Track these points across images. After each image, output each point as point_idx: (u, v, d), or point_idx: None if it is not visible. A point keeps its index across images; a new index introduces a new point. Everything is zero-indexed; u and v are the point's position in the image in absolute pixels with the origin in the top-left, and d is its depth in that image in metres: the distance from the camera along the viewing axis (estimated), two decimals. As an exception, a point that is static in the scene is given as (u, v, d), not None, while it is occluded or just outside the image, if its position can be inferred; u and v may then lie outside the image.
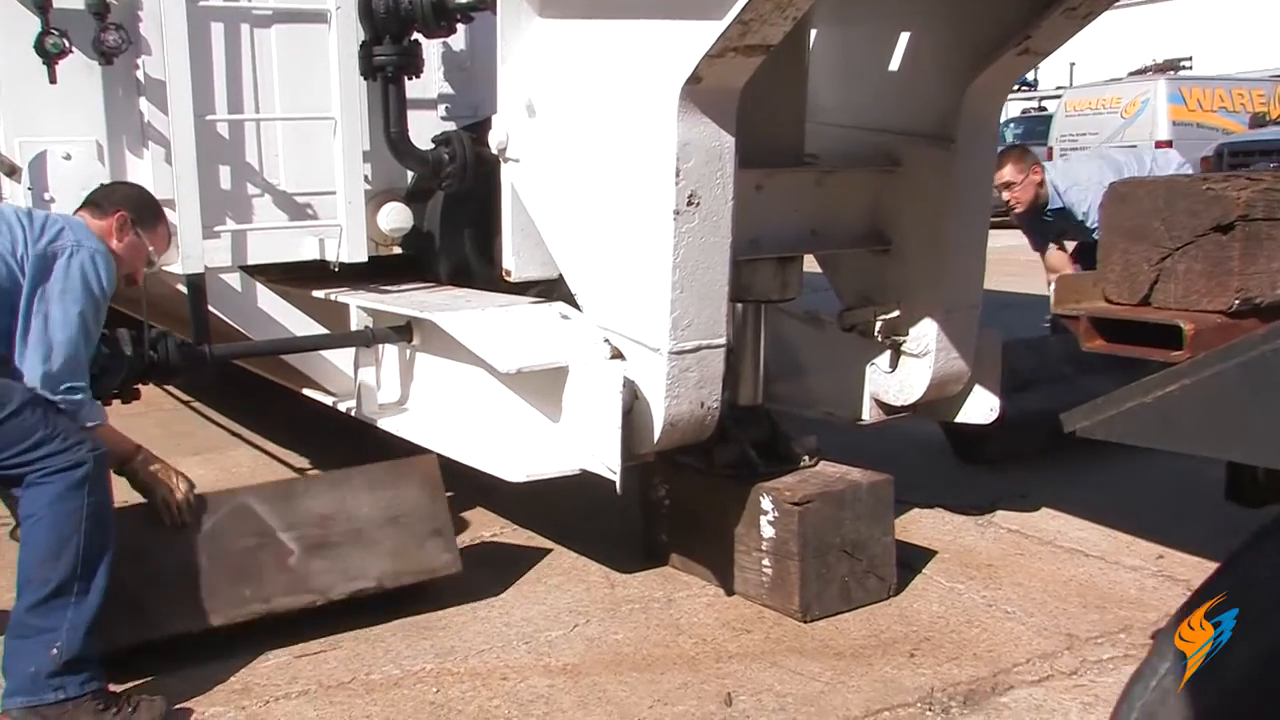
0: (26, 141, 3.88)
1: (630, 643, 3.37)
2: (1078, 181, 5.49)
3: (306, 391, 4.61)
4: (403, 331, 4.12)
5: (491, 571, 3.87)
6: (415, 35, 4.14)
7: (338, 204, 4.23)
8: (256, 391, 5.44)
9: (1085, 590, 3.73)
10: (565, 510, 4.29)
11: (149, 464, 3.25)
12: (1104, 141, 14.63)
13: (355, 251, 4.26)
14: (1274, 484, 2.10)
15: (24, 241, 2.89)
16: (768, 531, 3.53)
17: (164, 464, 3.30)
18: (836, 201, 3.92)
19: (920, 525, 4.31)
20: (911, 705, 3.00)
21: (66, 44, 3.68)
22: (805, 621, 3.46)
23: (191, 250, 3.94)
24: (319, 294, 4.42)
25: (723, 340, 3.29)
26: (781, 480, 3.62)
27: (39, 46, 3.65)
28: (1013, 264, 9.61)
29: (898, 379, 4.10)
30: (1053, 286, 2.39)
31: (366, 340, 4.17)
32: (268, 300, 4.29)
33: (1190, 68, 20.00)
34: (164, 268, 3.83)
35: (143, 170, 4.05)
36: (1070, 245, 5.95)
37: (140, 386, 3.74)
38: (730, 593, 3.67)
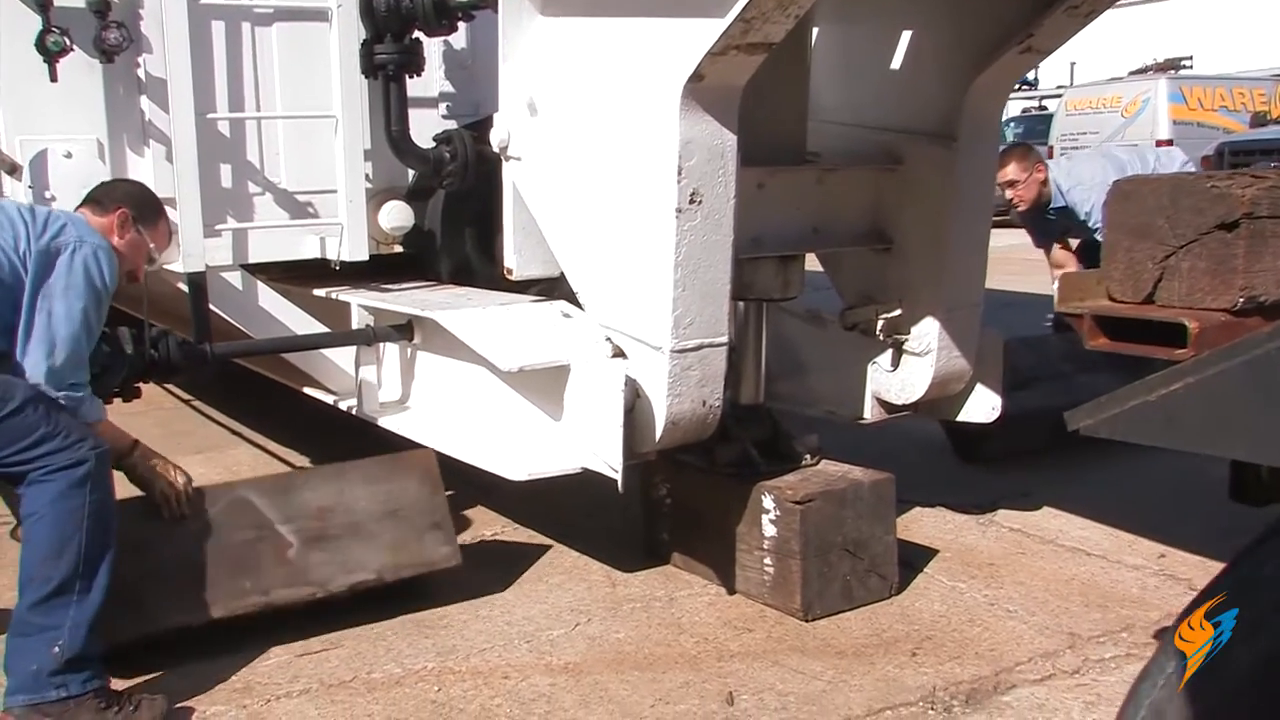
0: (27, 139, 3.87)
1: (632, 641, 3.37)
2: (1081, 181, 5.48)
3: (307, 390, 4.61)
4: (404, 330, 4.12)
5: (493, 570, 3.87)
6: (416, 33, 4.14)
7: (339, 202, 4.22)
8: (257, 390, 5.44)
9: (1087, 589, 3.72)
10: (567, 509, 4.28)
11: (147, 458, 3.25)
12: (1104, 141, 14.61)
13: (356, 250, 4.25)
14: (1278, 483, 2.09)
15: (26, 237, 2.89)
16: (769, 530, 3.53)
17: (161, 458, 3.30)
18: (838, 200, 3.91)
19: (922, 524, 4.31)
20: (913, 704, 3.00)
21: (67, 42, 3.67)
22: (807, 620, 3.46)
23: (192, 248, 3.94)
24: (320, 292, 4.42)
25: (725, 339, 3.29)
26: (783, 479, 3.62)
27: (40, 44, 3.65)
28: (1013, 263, 9.60)
29: (899, 378, 4.10)
30: (1056, 284, 2.39)
31: (367, 339, 4.17)
32: (269, 299, 4.29)
33: (1191, 67, 20.00)
34: (165, 266, 3.83)
35: (144, 168, 4.05)
36: (1074, 243, 5.94)
37: (141, 385, 3.74)
38: (732, 591, 3.67)
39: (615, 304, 3.36)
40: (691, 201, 3.08)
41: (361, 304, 4.25)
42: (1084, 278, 2.31)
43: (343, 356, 4.37)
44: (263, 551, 3.34)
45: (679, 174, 3.04)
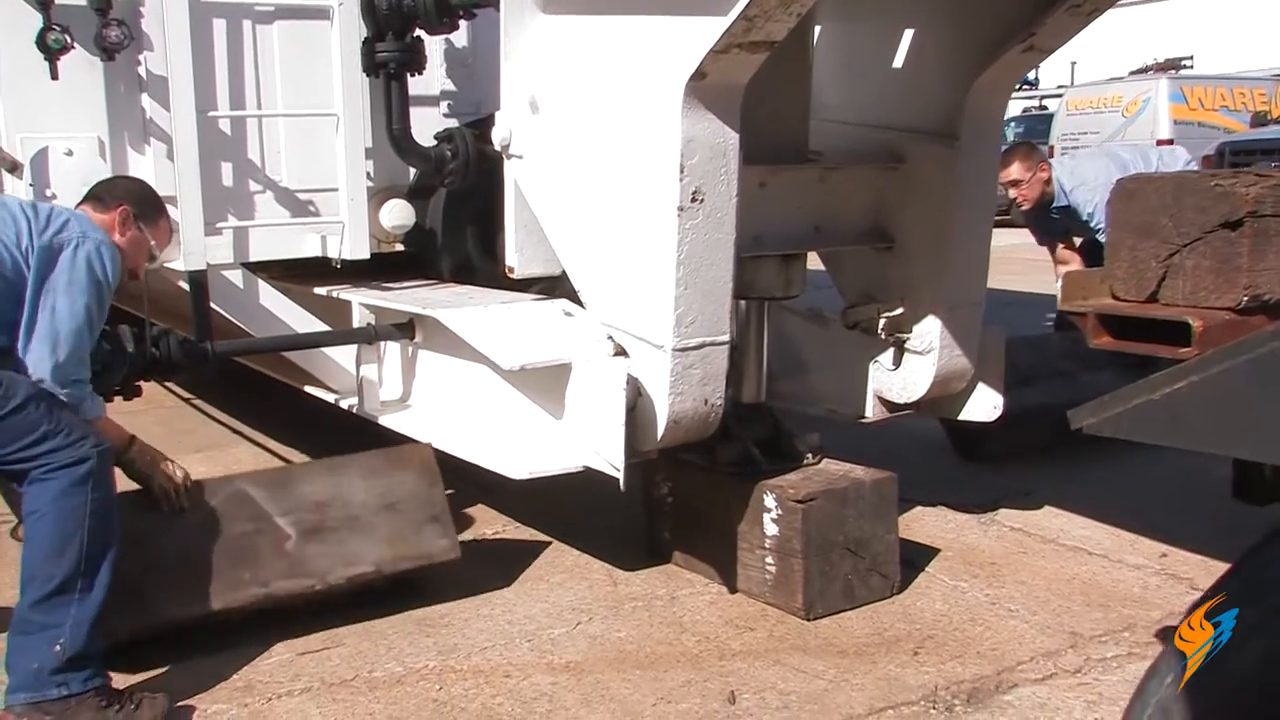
0: (28, 137, 3.87)
1: (633, 640, 3.37)
2: (1084, 181, 5.47)
3: (308, 389, 4.61)
4: (405, 328, 4.12)
5: (494, 568, 3.86)
6: (418, 32, 4.14)
7: (340, 201, 4.22)
8: (258, 389, 5.43)
9: (1089, 588, 3.72)
10: (568, 508, 4.28)
11: (145, 454, 3.26)
12: (1105, 141, 14.60)
13: (357, 248, 4.25)
14: (1282, 481, 2.10)
15: (29, 233, 2.88)
16: (771, 529, 3.53)
17: (158, 453, 3.31)
18: (840, 198, 3.91)
19: (923, 523, 4.31)
20: (915, 703, 3.00)
21: (68, 40, 3.67)
22: (808, 619, 3.46)
23: (193, 247, 3.93)
24: (321, 291, 4.42)
25: (727, 337, 3.29)
26: (785, 478, 3.61)
27: (41, 42, 3.64)
28: (1014, 263, 9.60)
29: (901, 376, 4.09)
30: (1060, 283, 2.38)
31: (369, 337, 4.17)
32: (270, 297, 4.29)
33: (1191, 67, 19.99)
34: (166, 264, 3.83)
35: (145, 167, 4.05)
36: (1077, 241, 5.93)
37: (142, 383, 3.74)
38: (733, 590, 3.67)
39: (617, 302, 3.36)
40: (693, 200, 3.08)
41: (363, 302, 4.25)
42: (1087, 276, 2.31)
43: (344, 355, 4.37)
44: (261, 544, 3.35)
45: (681, 172, 3.03)
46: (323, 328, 4.34)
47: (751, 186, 3.45)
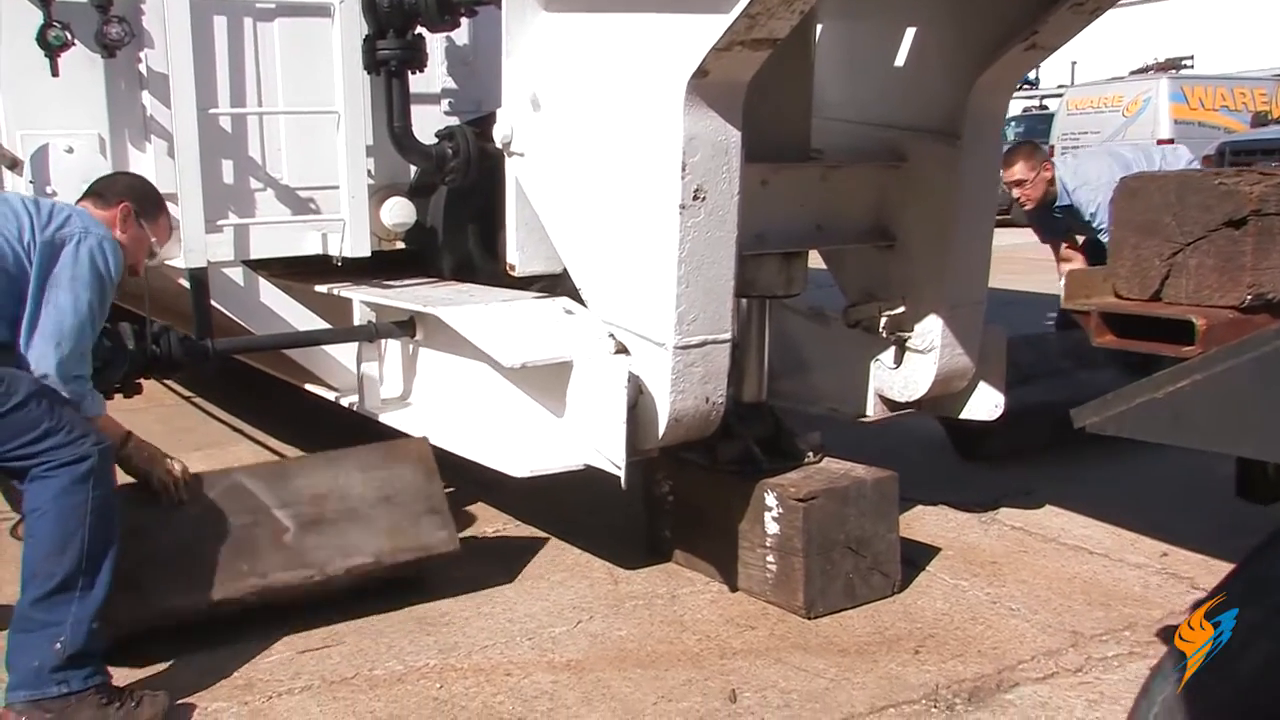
0: (28, 134, 3.87)
1: (634, 639, 3.36)
2: (1087, 180, 5.47)
3: (309, 387, 4.60)
4: (406, 326, 4.12)
5: (495, 567, 3.86)
6: (419, 29, 4.14)
7: (341, 198, 4.22)
8: (258, 387, 5.43)
9: (1090, 587, 3.72)
10: (569, 506, 4.28)
11: (141, 449, 3.26)
12: (1105, 140, 14.61)
13: (358, 246, 4.25)
14: (1285, 480, 2.09)
15: (31, 228, 2.88)
16: (772, 528, 3.52)
17: (155, 448, 3.31)
18: (842, 197, 3.91)
19: (924, 522, 4.30)
20: (916, 702, 2.99)
21: (69, 37, 3.66)
22: (809, 618, 3.46)
23: (194, 244, 3.93)
24: (322, 289, 4.41)
25: (728, 335, 3.29)
26: (786, 476, 3.61)
27: (41, 39, 3.64)
28: (1015, 262, 9.60)
29: (902, 375, 4.09)
30: (1063, 281, 2.38)
31: (369, 335, 4.16)
32: (270, 295, 4.28)
33: (1192, 66, 19.99)
34: (166, 261, 3.82)
35: (145, 164, 4.04)
36: (1080, 239, 5.93)
37: (142, 380, 3.73)
38: (734, 589, 3.67)
39: (618, 300, 3.35)
40: (695, 198, 3.07)
41: (363, 300, 4.24)
42: (1090, 275, 2.30)
43: (344, 353, 4.36)
44: (260, 536, 3.35)
45: (683, 170, 3.03)
46: (323, 325, 4.33)
47: (753, 184, 3.45)
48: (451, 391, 4.03)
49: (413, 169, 4.46)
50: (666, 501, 3.92)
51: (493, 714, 2.95)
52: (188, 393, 6.51)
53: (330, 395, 4.48)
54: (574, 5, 3.41)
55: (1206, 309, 2.03)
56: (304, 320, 4.32)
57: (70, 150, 3.89)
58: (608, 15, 3.29)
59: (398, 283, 4.38)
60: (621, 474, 3.23)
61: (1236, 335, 1.84)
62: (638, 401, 3.25)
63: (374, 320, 4.19)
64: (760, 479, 3.58)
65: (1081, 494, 4.55)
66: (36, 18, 3.64)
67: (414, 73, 4.19)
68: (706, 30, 2.88)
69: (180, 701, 2.97)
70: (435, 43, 4.42)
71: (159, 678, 3.10)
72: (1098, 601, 3.61)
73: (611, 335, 3.34)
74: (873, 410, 4.24)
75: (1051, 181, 5.55)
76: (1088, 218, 5.49)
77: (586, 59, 3.36)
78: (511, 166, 3.69)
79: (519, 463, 3.46)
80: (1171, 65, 19.15)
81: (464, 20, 4.20)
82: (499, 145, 3.69)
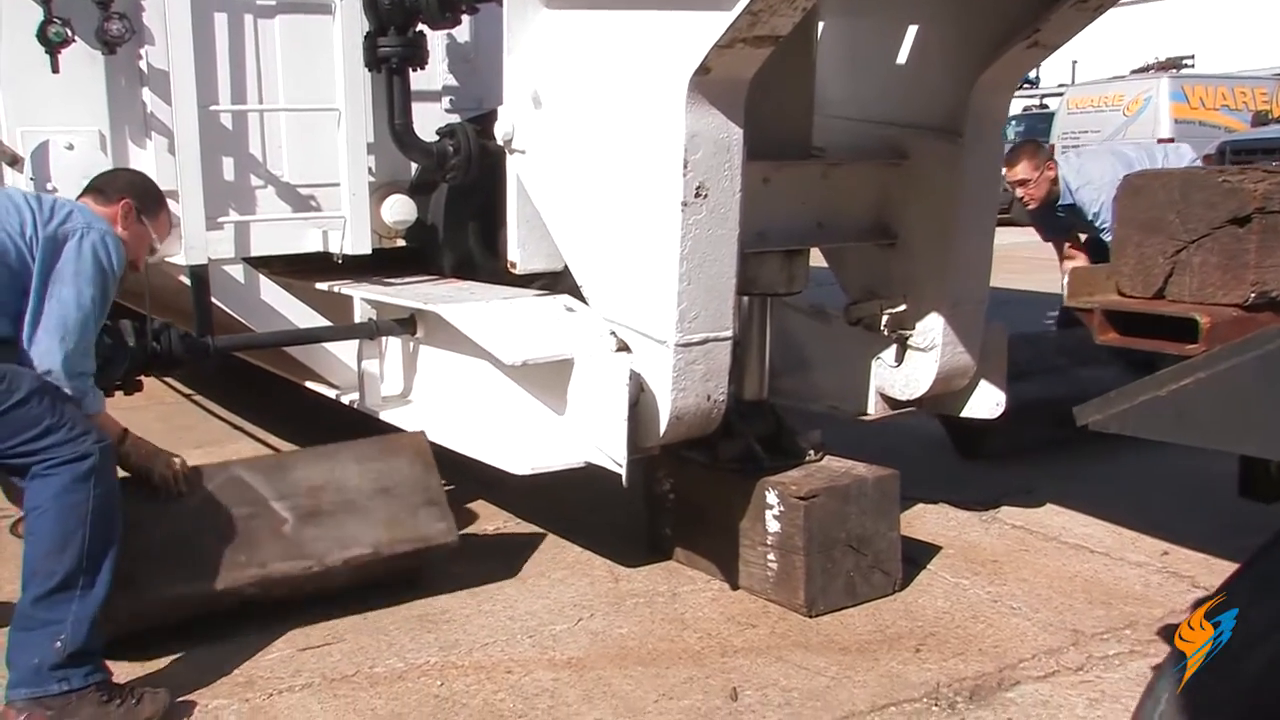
0: (29, 131, 3.86)
1: (635, 637, 3.36)
2: (1090, 180, 5.47)
3: (309, 384, 4.60)
4: (406, 324, 4.11)
5: (496, 564, 3.86)
6: (420, 26, 4.13)
7: (341, 196, 4.22)
8: (259, 385, 5.43)
9: (1090, 586, 3.71)
10: (570, 504, 4.27)
11: (139, 446, 3.26)
12: (1106, 139, 14.61)
13: (359, 244, 4.24)
14: (1289, 478, 2.09)
15: (33, 223, 2.87)
16: (773, 526, 3.52)
17: (151, 445, 3.31)
18: (843, 195, 3.90)
19: (925, 521, 4.30)
20: (917, 700, 2.99)
21: (69, 33, 3.66)
22: (810, 616, 3.45)
23: (195, 241, 3.93)
24: (322, 286, 4.41)
25: (730, 333, 3.28)
26: (787, 474, 3.61)
27: (42, 35, 3.63)
28: (1016, 261, 9.61)
29: (903, 373, 4.09)
30: (1066, 279, 2.37)
31: (370, 332, 4.16)
32: (271, 292, 4.28)
33: (1192, 66, 20.00)
34: (167, 258, 3.82)
35: (146, 161, 4.04)
36: (1082, 238, 5.93)
37: (142, 378, 3.73)
38: (735, 587, 3.66)
39: (620, 298, 3.35)
40: (697, 195, 3.07)
41: (364, 298, 4.24)
42: (1094, 272, 2.30)
43: (345, 350, 4.36)
44: (258, 527, 3.36)
45: (685, 167, 3.03)
46: (324, 323, 4.33)
47: (755, 182, 3.44)
48: (452, 389, 4.03)
49: (414, 166, 4.46)
50: (667, 499, 3.91)
51: (493, 711, 2.95)
52: (188, 390, 6.51)
53: (331, 393, 4.48)
54: (576, 2, 3.40)
55: (1210, 307, 2.03)
56: (304, 318, 4.32)
57: (71, 147, 3.89)
58: (610, 12, 3.28)
59: (398, 280, 4.38)
60: (623, 472, 3.22)
61: (1240, 333, 1.84)
62: (639, 399, 3.24)
63: (375, 318, 4.19)
64: (761, 477, 3.58)
65: (1082, 493, 4.55)
66: (37, 14, 3.64)
67: (415, 70, 4.19)
68: (708, 27, 2.88)
69: (181, 698, 2.96)
70: (436, 40, 4.42)
71: (159, 675, 3.10)
72: (1098, 600, 3.60)
73: (613, 333, 3.34)
74: (874, 408, 4.24)
75: (1055, 181, 5.55)
76: (1090, 217, 5.49)
77: (588, 56, 3.35)
78: (513, 164, 3.68)
79: (520, 460, 3.46)
80: (1172, 64, 19.17)
81: (465, 17, 4.20)
82: (500, 143, 3.68)
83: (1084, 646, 3.29)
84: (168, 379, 6.35)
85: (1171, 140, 13.12)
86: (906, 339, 4.04)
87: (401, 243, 4.53)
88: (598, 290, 3.46)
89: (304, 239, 4.30)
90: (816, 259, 4.05)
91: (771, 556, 3.53)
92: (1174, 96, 15.71)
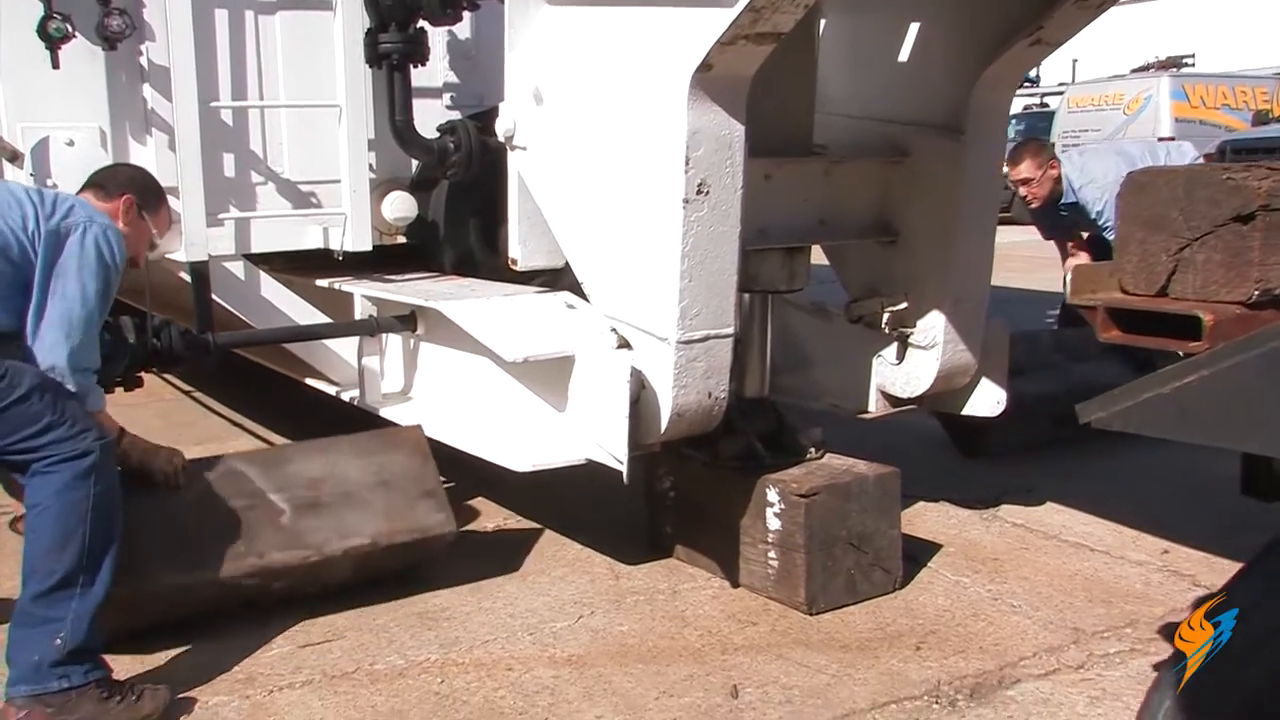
0: (29, 127, 3.86)
1: (635, 634, 3.36)
2: (1093, 179, 5.46)
3: (309, 381, 4.60)
4: (407, 321, 4.11)
5: (496, 561, 3.86)
6: (421, 23, 4.12)
7: (342, 192, 4.21)
8: (259, 382, 5.42)
9: (1091, 584, 3.71)
10: (570, 501, 4.27)
11: (136, 444, 3.26)
12: (1106, 138, 14.61)
13: (359, 240, 4.24)
14: (1292, 477, 2.09)
15: (35, 218, 2.87)
16: (773, 524, 3.52)
17: (147, 443, 3.31)
18: (845, 192, 3.90)
19: (925, 519, 4.30)
20: (918, 698, 2.99)
21: (70, 29, 3.66)
22: (811, 614, 3.45)
23: (195, 238, 3.93)
24: (323, 283, 4.41)
25: (731, 330, 3.28)
26: (787, 472, 3.60)
27: (42, 31, 3.63)
28: (1016, 260, 9.60)
29: (904, 371, 4.08)
30: (1069, 277, 2.36)
31: (370, 329, 4.15)
32: (271, 289, 4.28)
33: (1193, 65, 20.01)
34: (167, 255, 3.82)
35: (146, 157, 4.04)
36: (1085, 235, 5.92)
37: (142, 375, 3.72)
38: (735, 585, 3.66)
39: (621, 295, 3.35)
40: (699, 192, 3.06)
41: (364, 294, 4.23)
42: (1097, 270, 2.29)
43: (345, 347, 4.36)
44: (257, 518, 3.36)
45: (686, 164, 3.02)
46: (324, 320, 4.33)
47: (756, 179, 3.44)
48: (453, 386, 4.02)
49: (414, 163, 4.45)
50: (668, 497, 3.91)
51: (494, 709, 2.94)
52: (187, 387, 6.50)
53: (331, 390, 4.48)
54: (577, -1, 3.40)
55: (1213, 304, 2.02)
56: (305, 314, 4.32)
57: (71, 143, 3.89)
58: (611, 9, 3.28)
59: (399, 277, 4.37)
60: (624, 469, 3.22)
61: (1243, 331, 1.84)
62: (640, 396, 3.24)
63: (375, 314, 4.19)
64: (762, 474, 3.58)
65: (1082, 491, 4.54)
66: (37, 9, 3.63)
67: (416, 66, 4.18)
68: (710, 24, 2.87)
69: (181, 695, 2.96)
70: (437, 36, 4.42)
71: (160, 671, 3.10)
72: (1099, 598, 3.60)
73: (614, 330, 3.33)
74: (874, 406, 4.23)
75: (1058, 179, 5.54)
76: (1093, 215, 5.48)
77: (590, 53, 3.35)
78: (514, 161, 3.68)
79: (520, 457, 3.46)
80: (1173, 63, 19.18)
81: (466, 14, 4.19)
82: (501, 139, 3.68)
83: (1084, 644, 3.28)
84: (167, 376, 6.34)
85: (1172, 139, 13.13)
86: (907, 337, 4.04)
87: (402, 239, 4.53)
88: (599, 287, 3.45)
89: (304, 236, 4.30)
90: (818, 256, 4.04)
91: (772, 554, 3.53)
92: (1174, 95, 15.72)
